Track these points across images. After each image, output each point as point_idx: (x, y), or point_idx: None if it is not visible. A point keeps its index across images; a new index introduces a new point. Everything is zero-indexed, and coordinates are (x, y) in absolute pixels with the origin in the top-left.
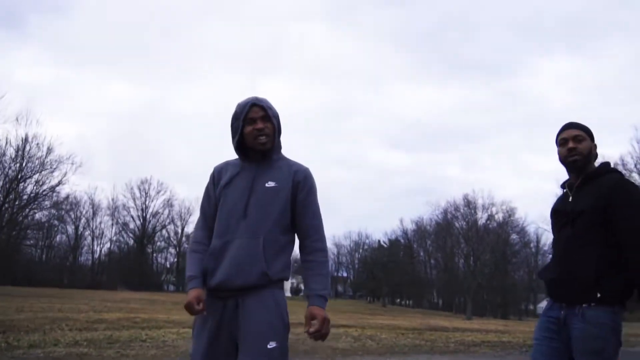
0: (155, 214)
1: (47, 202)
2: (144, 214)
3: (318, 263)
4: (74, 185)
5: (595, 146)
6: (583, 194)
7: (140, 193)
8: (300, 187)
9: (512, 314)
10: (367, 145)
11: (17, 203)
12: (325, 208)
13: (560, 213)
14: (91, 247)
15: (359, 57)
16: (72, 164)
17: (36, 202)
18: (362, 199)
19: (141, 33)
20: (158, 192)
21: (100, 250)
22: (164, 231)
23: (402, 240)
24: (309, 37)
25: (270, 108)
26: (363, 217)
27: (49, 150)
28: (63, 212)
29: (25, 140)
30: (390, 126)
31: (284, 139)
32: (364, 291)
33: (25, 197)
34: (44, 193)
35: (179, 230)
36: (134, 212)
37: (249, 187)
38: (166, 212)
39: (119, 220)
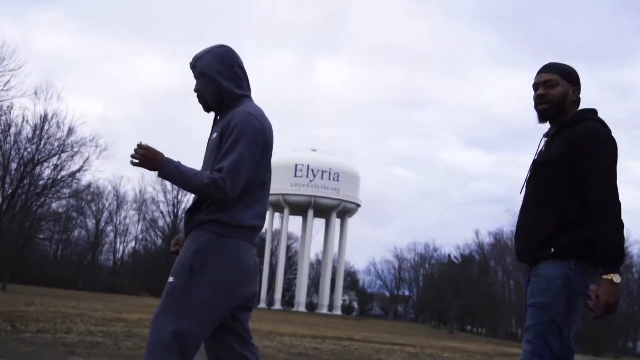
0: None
1: (65, 190)
2: (176, 210)
3: (197, 171)
4: (97, 172)
5: (575, 90)
6: (554, 143)
7: (172, 185)
8: (224, 132)
9: (606, 351)
10: (439, 141)
11: (31, 189)
12: (385, 214)
13: (531, 165)
14: (113, 245)
15: (433, 36)
16: (96, 146)
17: (53, 190)
18: (431, 205)
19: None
20: None
21: (124, 250)
22: None
23: (476, 256)
24: (375, 11)
25: (195, 67)
26: (431, 226)
27: (71, 131)
28: (83, 203)
29: (44, 118)
30: (468, 120)
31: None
32: (428, 313)
33: (41, 182)
34: (62, 179)
35: None
36: (163, 207)
37: (206, 142)
38: None
39: (146, 215)
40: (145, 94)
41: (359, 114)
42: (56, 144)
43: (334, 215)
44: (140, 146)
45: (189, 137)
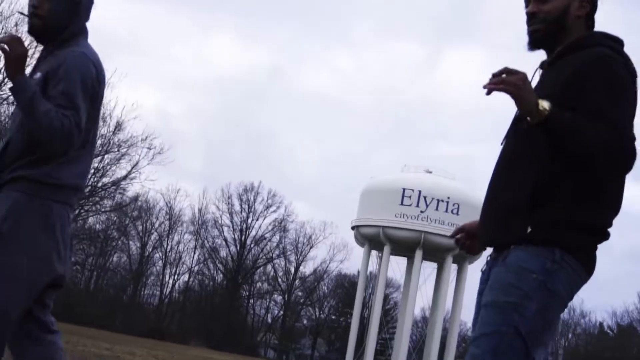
0: (260, 240)
1: (106, 202)
2: (244, 238)
3: (52, 107)
4: (148, 181)
5: (581, 3)
6: (547, 79)
7: (241, 206)
8: (53, 74)
9: None
10: None
11: None
12: None
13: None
14: (161, 277)
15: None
16: (149, 149)
17: (91, 201)
18: None
19: None
20: (267, 208)
21: (174, 284)
22: (269, 267)
23: (639, 328)
24: None
25: None
26: None
27: (119, 126)
28: (127, 221)
29: None
30: None
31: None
32: None
33: None
34: (104, 188)
35: (292, 269)
36: (228, 234)
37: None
38: (276, 238)
39: (205, 242)
40: (216, 86)
41: (492, 125)
42: (99, 141)
43: (449, 258)
44: (13, 39)
45: (270, 147)
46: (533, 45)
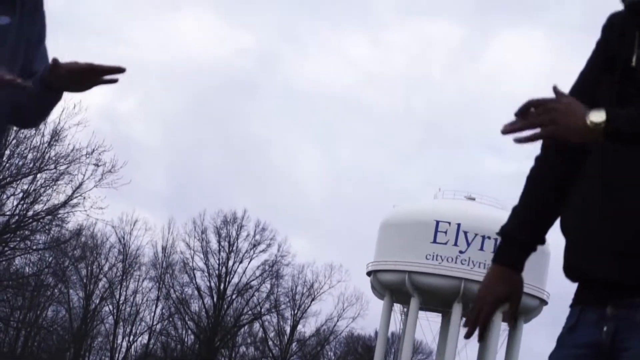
0: (244, 289)
1: (39, 237)
2: (223, 286)
3: None
4: (95, 209)
5: None
6: None
7: (219, 243)
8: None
9: None
10: None
11: None
12: None
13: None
14: (112, 338)
15: None
16: (96, 165)
17: (19, 235)
18: None
19: None
20: (255, 246)
21: (129, 348)
22: (256, 325)
23: None
24: None
25: None
26: None
27: (55, 137)
28: (67, 262)
29: None
30: None
31: None
32: None
33: None
34: (36, 218)
35: (288, 328)
36: (202, 281)
37: None
38: (266, 287)
39: (171, 292)
40: (187, 77)
41: None
42: (30, 156)
43: (498, 315)
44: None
45: (259, 158)
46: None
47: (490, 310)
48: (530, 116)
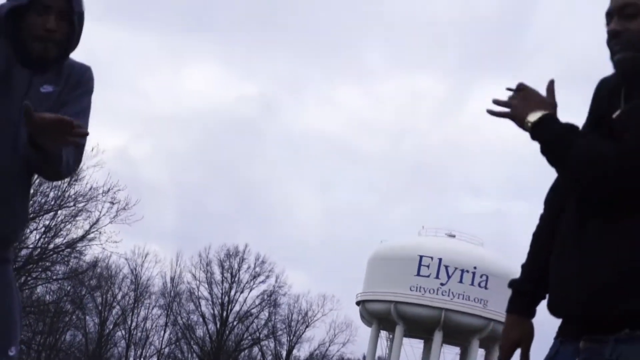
0: (245, 316)
1: (59, 268)
2: (225, 314)
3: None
4: (110, 243)
5: None
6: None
7: (222, 274)
8: (74, 86)
9: None
10: None
11: None
12: None
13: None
14: None
15: None
16: (112, 203)
17: (40, 266)
18: None
19: None
20: (255, 278)
21: None
22: (255, 350)
23: None
24: (569, 12)
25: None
26: None
27: (75, 177)
28: (84, 291)
29: None
30: None
31: None
32: None
33: (23, 253)
34: (56, 250)
35: (284, 352)
36: (207, 308)
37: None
38: (265, 315)
39: (178, 318)
40: (194, 123)
41: (533, 177)
42: (51, 194)
43: (475, 342)
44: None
45: (259, 198)
46: (622, 75)
47: (507, 354)
48: (510, 97)
